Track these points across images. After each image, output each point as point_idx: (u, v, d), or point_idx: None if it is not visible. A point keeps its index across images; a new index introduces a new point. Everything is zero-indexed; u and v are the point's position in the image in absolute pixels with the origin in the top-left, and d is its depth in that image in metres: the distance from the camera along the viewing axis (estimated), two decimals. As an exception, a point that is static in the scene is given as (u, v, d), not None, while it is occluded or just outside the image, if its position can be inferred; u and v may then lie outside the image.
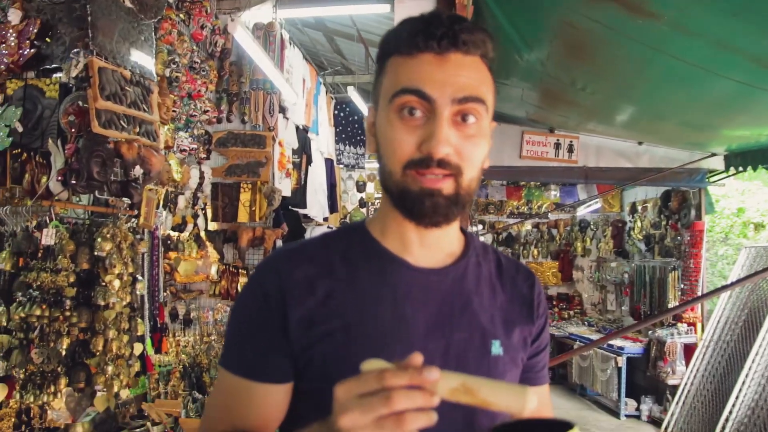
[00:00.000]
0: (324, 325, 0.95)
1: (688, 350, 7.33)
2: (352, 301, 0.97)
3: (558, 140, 7.23)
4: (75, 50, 2.69)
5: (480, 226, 10.52)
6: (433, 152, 0.88)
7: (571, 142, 7.19)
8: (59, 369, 2.54)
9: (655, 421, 7.49)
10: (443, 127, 0.89)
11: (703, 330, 7.34)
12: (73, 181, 2.62)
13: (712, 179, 7.23)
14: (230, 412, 1.00)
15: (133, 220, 3.00)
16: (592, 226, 10.62)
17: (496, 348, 1.01)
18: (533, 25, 4.26)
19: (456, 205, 0.93)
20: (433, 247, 1.02)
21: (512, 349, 1.04)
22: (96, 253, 2.60)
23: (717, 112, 5.14)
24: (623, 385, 7.71)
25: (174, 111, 4.84)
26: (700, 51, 3.63)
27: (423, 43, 0.90)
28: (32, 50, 2.99)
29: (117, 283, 2.63)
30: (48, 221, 2.56)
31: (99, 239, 2.60)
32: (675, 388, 7.15)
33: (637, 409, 7.79)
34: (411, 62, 0.92)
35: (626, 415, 7.74)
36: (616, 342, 7.88)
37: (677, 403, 6.94)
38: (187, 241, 5.15)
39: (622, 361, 7.72)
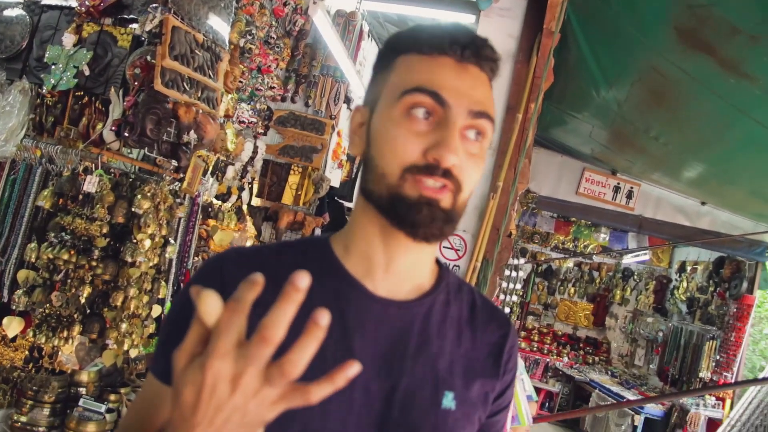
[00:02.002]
0: None
1: (712, 425, 7.02)
2: (295, 323, 0.85)
3: (618, 184, 7.02)
4: (153, 5, 2.68)
5: (521, 259, 10.30)
6: (442, 160, 0.81)
7: (631, 188, 6.97)
8: (75, 316, 2.53)
9: (663, 490, 7.22)
10: (456, 136, 0.83)
11: (731, 407, 7.02)
12: (126, 134, 2.62)
13: (772, 255, 6.91)
14: (143, 417, 0.92)
15: (177, 183, 2.98)
16: (635, 277, 10.32)
17: (448, 401, 0.89)
18: (618, 63, 4.11)
19: (450, 222, 0.85)
20: (399, 276, 0.92)
21: (468, 404, 0.92)
22: (133, 209, 2.58)
23: (793, 186, 4.89)
24: (636, 445, 7.45)
25: (241, 82, 4.85)
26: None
27: (448, 46, 0.85)
28: (114, -2, 3.01)
29: (148, 242, 2.61)
30: (93, 168, 2.56)
31: (139, 196, 2.58)
32: (690, 460, 6.87)
33: (646, 472, 7.52)
34: (429, 62, 0.86)
35: (633, 476, 7.48)
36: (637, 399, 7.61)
37: (690, 476, 6.67)
38: (228, 211, 5.16)
39: (639, 420, 7.46)
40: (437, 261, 1.01)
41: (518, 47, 2.59)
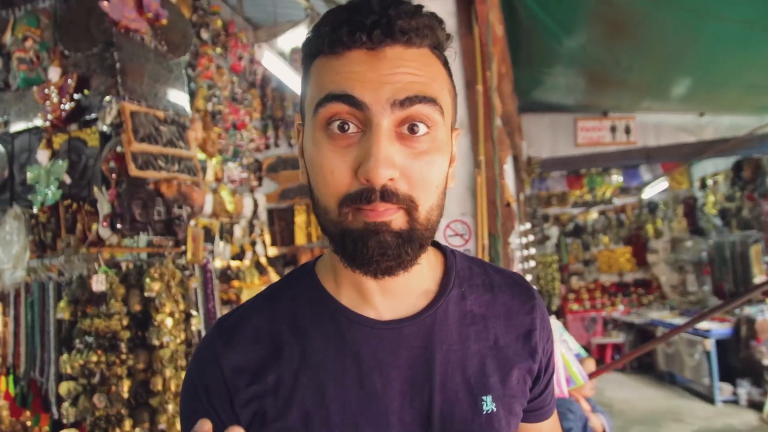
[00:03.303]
0: (280, 419, 0.78)
1: (783, 326, 6.87)
2: (308, 384, 0.79)
3: (613, 123, 6.99)
4: (107, 98, 2.76)
5: (522, 226, 10.24)
6: (371, 177, 0.67)
7: (627, 123, 6.94)
8: (123, 411, 2.58)
9: (757, 405, 7.02)
10: (381, 142, 0.68)
11: (796, 303, 6.88)
12: (119, 225, 2.68)
13: (786, 142, 6.79)
14: None
15: (183, 256, 3.04)
16: (661, 207, 10.19)
17: (488, 404, 0.82)
18: (568, 8, 4.11)
19: (411, 244, 0.72)
20: (399, 293, 0.82)
21: (509, 396, 0.85)
22: (145, 294, 2.64)
23: (780, 70, 4.82)
24: (715, 369, 7.27)
25: (220, 143, 4.93)
26: (749, 6, 3.41)
27: (349, 37, 0.70)
28: (72, 104, 3.10)
29: (169, 321, 2.66)
30: (97, 268, 2.62)
31: (148, 280, 2.64)
32: (774, 368, 6.71)
33: (734, 393, 7.33)
34: (337, 63, 0.71)
35: (723, 401, 7.29)
36: (701, 325, 7.46)
37: (778, 384, 6.51)
38: (248, 268, 5.22)
39: (710, 344, 7.30)
40: (438, 247, 0.92)
41: (458, 22, 2.61)
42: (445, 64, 0.79)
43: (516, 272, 1.00)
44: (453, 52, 0.82)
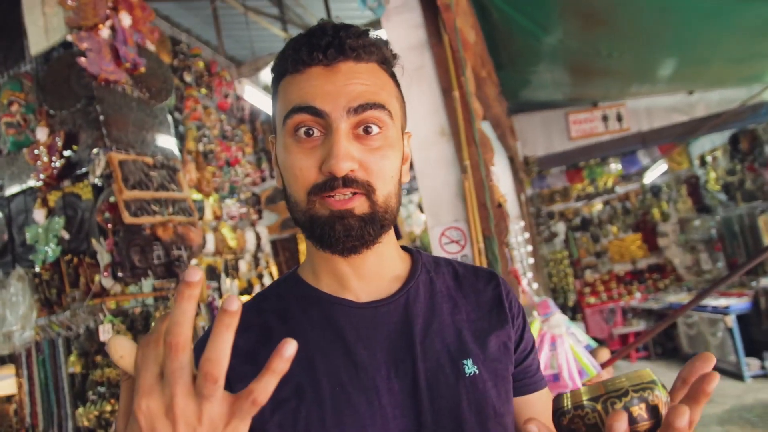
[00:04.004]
0: (274, 393, 0.79)
1: (802, 294, 6.80)
2: (298, 359, 0.83)
3: (604, 112, 7.01)
4: (94, 151, 2.80)
5: (520, 223, 10.22)
6: (334, 170, 0.80)
7: (618, 110, 6.95)
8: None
9: (787, 377, 6.93)
10: (340, 141, 0.81)
11: (811, 270, 6.81)
12: (120, 274, 2.70)
13: (778, 109, 6.78)
14: None
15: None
16: (665, 189, 10.16)
17: (470, 367, 0.89)
18: (539, 6, 4.15)
19: (372, 225, 0.84)
20: (372, 277, 0.92)
21: (491, 360, 0.92)
22: (153, 338, 2.65)
23: (758, 37, 4.83)
24: (740, 345, 7.18)
25: (215, 181, 4.97)
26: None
27: (308, 57, 0.84)
28: (62, 161, 3.15)
29: (179, 362, 2.67)
30: (102, 318, 2.65)
31: (153, 324, 2.65)
32: (798, 337, 6.63)
33: (762, 367, 7.24)
34: (300, 78, 0.85)
35: (751, 376, 7.20)
36: (719, 302, 7.40)
37: (805, 353, 6.43)
38: (257, 302, 5.24)
39: (731, 321, 7.23)
40: (406, 248, 1.02)
41: (427, 33, 2.64)
42: (393, 77, 0.93)
43: (481, 266, 1.11)
44: (401, 68, 0.95)
